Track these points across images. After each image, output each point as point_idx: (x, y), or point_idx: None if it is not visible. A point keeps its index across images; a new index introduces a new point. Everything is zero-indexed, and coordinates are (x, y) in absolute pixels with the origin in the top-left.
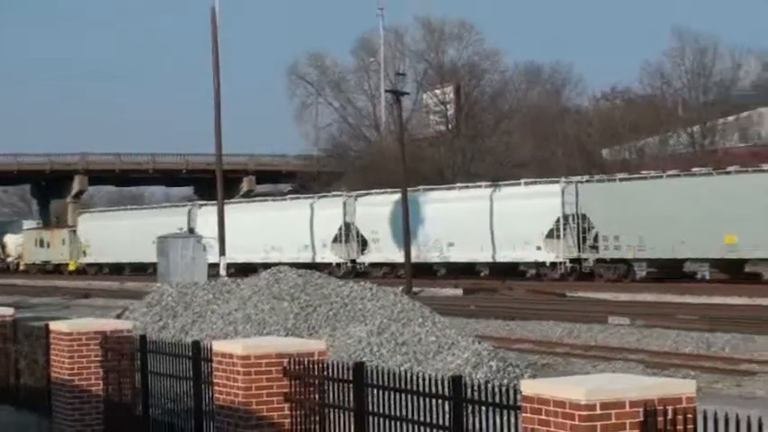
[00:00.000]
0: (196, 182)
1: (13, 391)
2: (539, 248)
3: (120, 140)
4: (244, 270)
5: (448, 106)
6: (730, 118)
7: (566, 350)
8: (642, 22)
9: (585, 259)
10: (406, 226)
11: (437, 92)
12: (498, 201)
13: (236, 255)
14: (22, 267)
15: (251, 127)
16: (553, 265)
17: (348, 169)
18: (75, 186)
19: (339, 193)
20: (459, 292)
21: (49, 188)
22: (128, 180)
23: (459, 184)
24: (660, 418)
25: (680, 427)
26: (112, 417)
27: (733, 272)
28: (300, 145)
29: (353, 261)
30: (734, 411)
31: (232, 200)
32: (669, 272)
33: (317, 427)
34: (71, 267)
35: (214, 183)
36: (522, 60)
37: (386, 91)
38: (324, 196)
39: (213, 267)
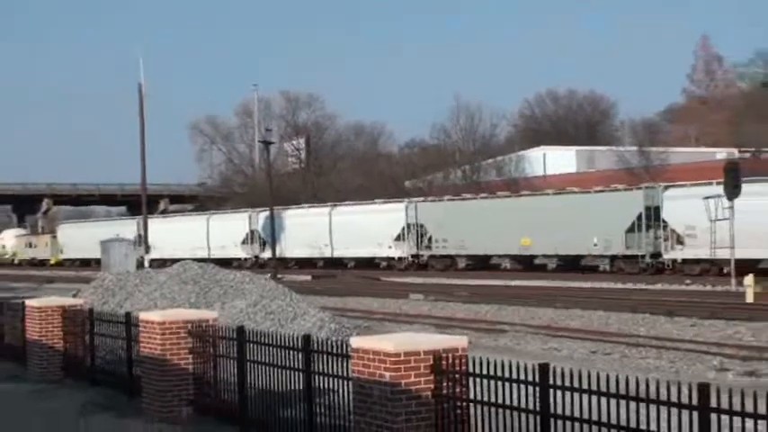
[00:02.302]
0: (128, 203)
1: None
2: (390, 247)
3: (76, 169)
4: None
5: (301, 152)
6: (490, 160)
7: (380, 316)
8: (432, 93)
9: (422, 255)
10: (272, 233)
11: (294, 142)
12: (345, 215)
13: (175, 253)
14: (16, 261)
15: (165, 163)
16: (400, 259)
17: (232, 195)
18: (44, 206)
19: (246, 209)
20: (309, 277)
21: (25, 207)
22: (80, 202)
23: (333, 202)
24: (444, 362)
25: (457, 368)
26: (69, 365)
27: (526, 264)
28: (199, 177)
29: (257, 256)
30: (492, 357)
31: (170, 214)
32: (481, 264)
33: (212, 371)
34: (52, 262)
35: (140, 203)
36: (351, 120)
37: (259, 141)
38: (236, 211)
39: (154, 261)
